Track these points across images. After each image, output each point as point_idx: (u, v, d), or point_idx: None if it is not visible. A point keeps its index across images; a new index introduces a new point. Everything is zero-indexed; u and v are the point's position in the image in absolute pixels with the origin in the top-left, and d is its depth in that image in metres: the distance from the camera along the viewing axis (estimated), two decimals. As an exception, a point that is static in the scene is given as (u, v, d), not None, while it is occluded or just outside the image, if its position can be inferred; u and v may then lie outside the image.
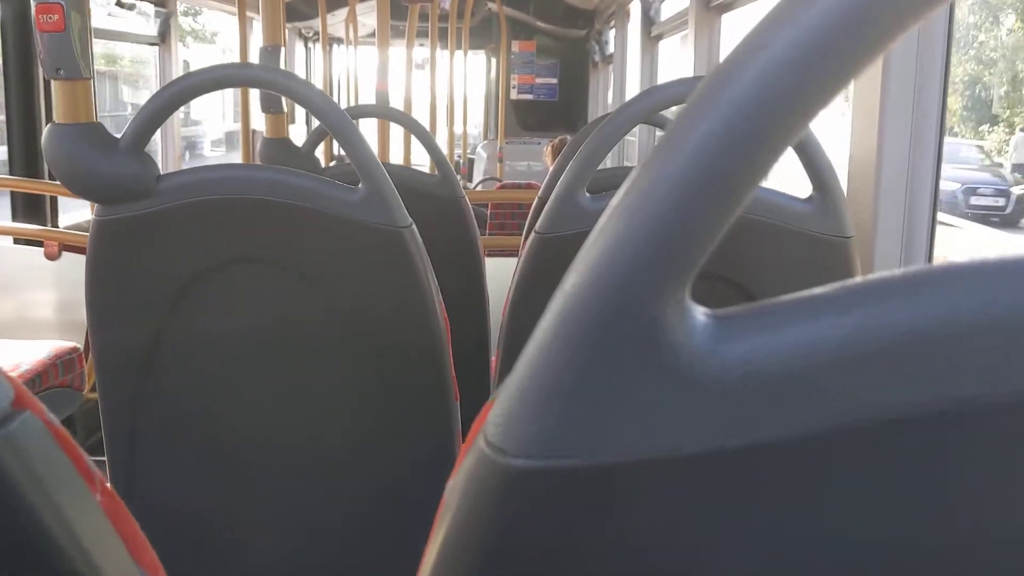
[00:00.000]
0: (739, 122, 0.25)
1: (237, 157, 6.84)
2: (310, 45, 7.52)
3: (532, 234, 1.23)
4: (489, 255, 2.21)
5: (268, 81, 1.29)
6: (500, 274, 2.44)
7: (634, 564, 0.27)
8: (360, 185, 1.16)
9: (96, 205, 1.17)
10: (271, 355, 1.26)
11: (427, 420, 1.28)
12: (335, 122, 1.19)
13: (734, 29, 2.87)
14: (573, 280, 0.27)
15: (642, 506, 0.27)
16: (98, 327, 1.22)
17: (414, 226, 1.20)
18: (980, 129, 9.38)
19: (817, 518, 0.27)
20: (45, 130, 1.14)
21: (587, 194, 1.20)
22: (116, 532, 0.37)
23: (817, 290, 0.26)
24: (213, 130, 7.32)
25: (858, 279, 0.26)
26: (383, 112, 2.63)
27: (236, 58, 4.59)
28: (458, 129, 6.10)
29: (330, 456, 1.31)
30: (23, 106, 3.43)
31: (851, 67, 0.25)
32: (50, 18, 1.10)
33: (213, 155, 7.53)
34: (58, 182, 3.48)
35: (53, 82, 1.15)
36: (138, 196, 1.14)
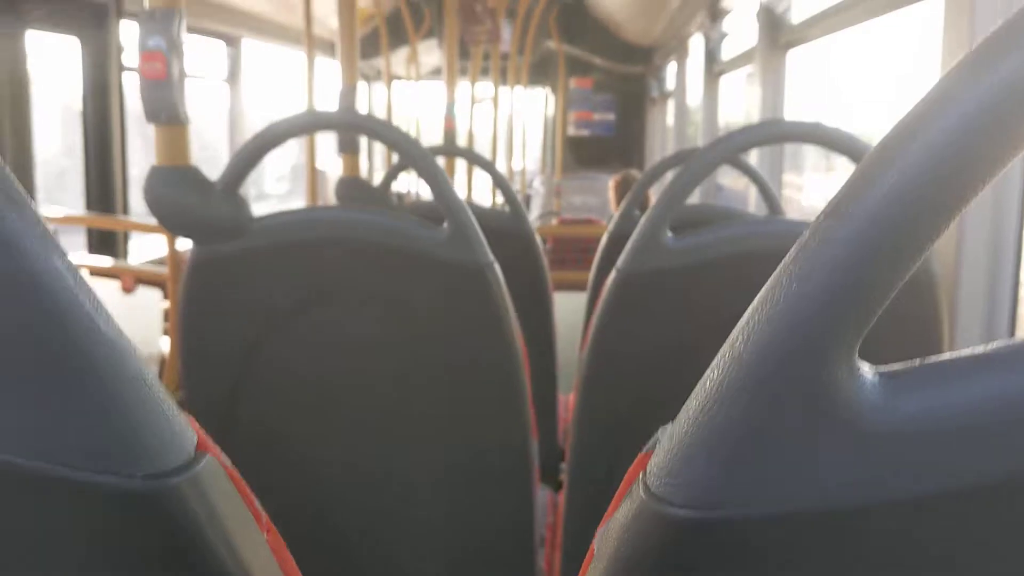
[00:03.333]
0: (923, 174, 0.25)
1: (300, 190, 7.01)
2: (371, 83, 7.67)
3: (614, 272, 1.23)
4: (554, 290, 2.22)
5: (358, 125, 1.32)
6: (565, 310, 2.44)
7: None
8: (445, 224, 1.18)
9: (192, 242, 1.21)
10: (356, 392, 1.28)
11: (505, 456, 1.29)
12: (422, 164, 1.21)
13: (799, 65, 2.85)
14: (745, 335, 0.27)
15: (811, 558, 0.28)
16: (188, 360, 1.25)
17: (496, 264, 1.21)
18: None
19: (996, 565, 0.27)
20: (147, 173, 1.18)
21: (669, 232, 1.20)
22: (281, 571, 0.39)
23: (985, 347, 0.27)
24: (275, 167, 7.51)
25: None
26: (460, 152, 2.68)
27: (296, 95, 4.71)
28: (516, 165, 6.15)
29: (409, 491, 1.32)
30: (99, 147, 3.55)
31: None
32: (154, 66, 1.15)
33: (276, 189, 7.70)
34: (133, 219, 3.57)
35: (154, 127, 1.19)
36: (233, 235, 1.18)
